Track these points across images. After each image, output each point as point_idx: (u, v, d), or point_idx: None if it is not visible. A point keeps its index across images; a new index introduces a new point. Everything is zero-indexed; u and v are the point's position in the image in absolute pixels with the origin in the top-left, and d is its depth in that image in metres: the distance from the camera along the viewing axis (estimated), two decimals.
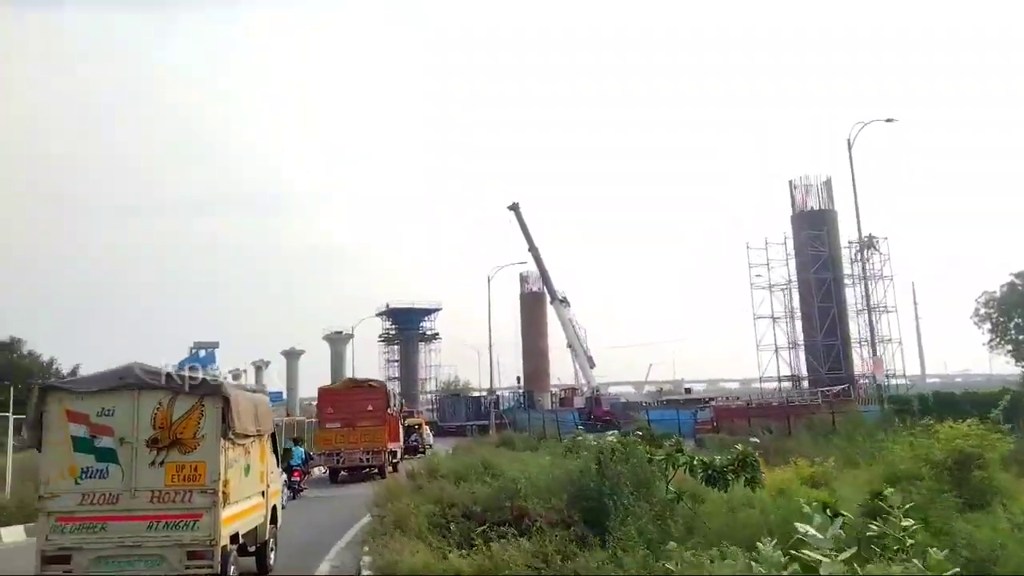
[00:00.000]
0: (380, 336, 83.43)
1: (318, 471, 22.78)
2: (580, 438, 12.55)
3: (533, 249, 53.71)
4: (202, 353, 56.98)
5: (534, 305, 63.48)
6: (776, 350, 48.31)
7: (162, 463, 6.67)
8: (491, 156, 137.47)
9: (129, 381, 6.82)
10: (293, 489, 17.40)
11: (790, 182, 48.91)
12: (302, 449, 19.53)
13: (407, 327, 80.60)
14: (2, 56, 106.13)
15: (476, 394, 62.09)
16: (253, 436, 7.79)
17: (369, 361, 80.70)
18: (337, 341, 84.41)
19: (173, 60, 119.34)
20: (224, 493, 6.75)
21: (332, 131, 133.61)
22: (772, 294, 48.27)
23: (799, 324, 47.67)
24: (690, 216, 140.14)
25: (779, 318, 48.37)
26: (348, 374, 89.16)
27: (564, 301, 53.53)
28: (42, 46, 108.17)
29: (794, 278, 47.73)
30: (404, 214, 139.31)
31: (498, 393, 53.26)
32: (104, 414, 6.78)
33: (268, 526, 8.55)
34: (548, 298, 57.87)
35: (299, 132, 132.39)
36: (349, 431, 21.54)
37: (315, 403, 25.02)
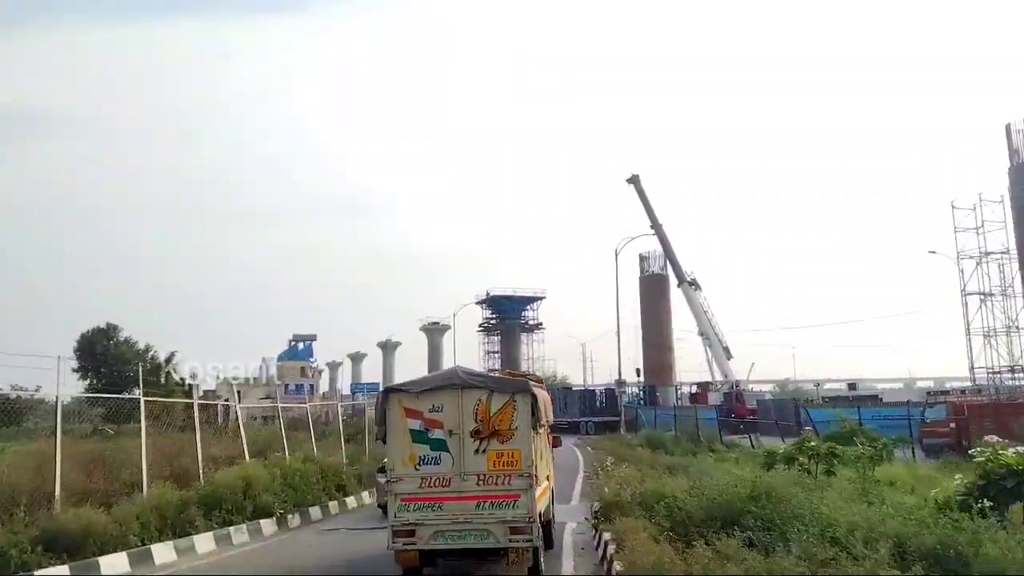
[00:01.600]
0: (480, 326, 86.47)
1: None
2: (750, 446, 13.96)
3: (656, 226, 52.09)
4: (300, 346, 61.32)
5: (655, 289, 61.11)
6: (989, 335, 43.89)
7: (485, 451, 8.51)
8: (599, 129, 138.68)
9: (454, 381, 8.77)
10: None
11: (1007, 126, 44.89)
12: None
13: (508, 316, 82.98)
14: (106, 68, 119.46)
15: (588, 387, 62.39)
16: (545, 427, 9.69)
17: (468, 352, 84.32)
18: (434, 332, 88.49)
19: (259, 71, 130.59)
20: (535, 476, 8.63)
21: (417, 124, 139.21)
22: (982, 265, 43.87)
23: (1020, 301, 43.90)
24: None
25: (991, 295, 44.22)
26: (446, 366, 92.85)
27: (694, 283, 51.52)
28: (133, 57, 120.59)
29: (1011, 245, 43.45)
30: (501, 202, 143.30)
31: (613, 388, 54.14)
32: (435, 410, 8.73)
33: (552, 506, 10.42)
34: (674, 281, 56.31)
35: (386, 131, 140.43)
36: None
37: None
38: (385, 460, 9.63)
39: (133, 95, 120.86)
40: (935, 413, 27.02)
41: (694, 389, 53.46)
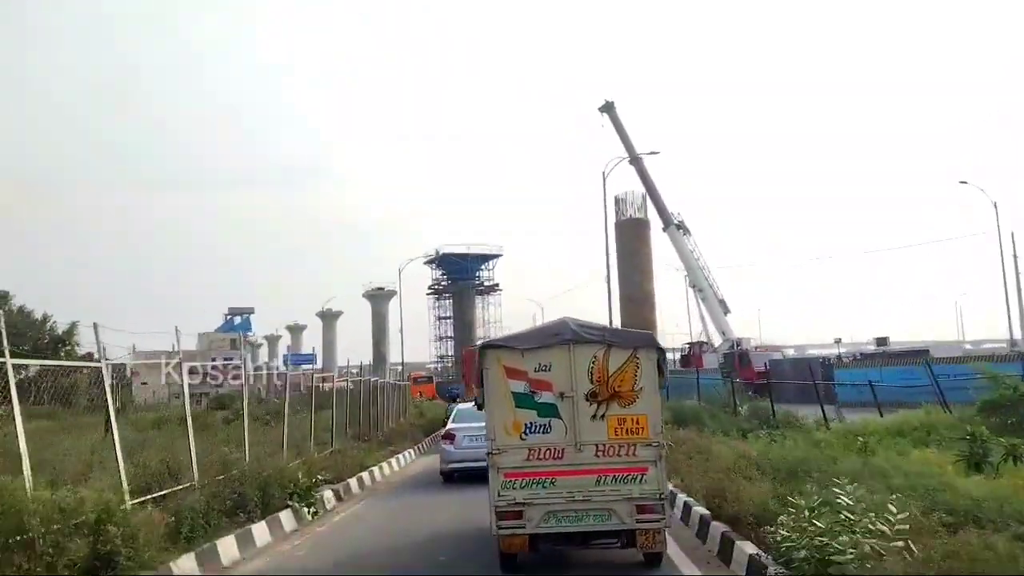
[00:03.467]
0: (430, 288, 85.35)
1: None
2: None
3: (635, 159, 48.38)
4: (237, 320, 61.30)
5: (634, 236, 57.08)
6: None
7: (603, 416, 7.93)
8: (553, 65, 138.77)
9: (564, 335, 8.09)
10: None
11: None
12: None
13: (461, 277, 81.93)
14: (43, 33, 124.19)
15: None
16: None
17: (418, 318, 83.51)
18: (379, 298, 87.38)
19: (211, 36, 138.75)
20: (664, 445, 8.17)
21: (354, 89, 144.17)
22: None
23: None
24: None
25: None
26: (393, 334, 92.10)
27: (681, 227, 48.51)
28: (82, 22, 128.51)
29: None
30: (452, 148, 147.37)
31: None
32: (541, 369, 8.08)
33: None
34: (656, 225, 53.86)
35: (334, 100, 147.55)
36: None
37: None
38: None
39: (74, 56, 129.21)
40: None
41: (685, 350, 51.09)
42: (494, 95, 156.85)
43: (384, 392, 27.50)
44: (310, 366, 56.71)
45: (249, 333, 64.87)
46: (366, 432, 21.85)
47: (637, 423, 8.02)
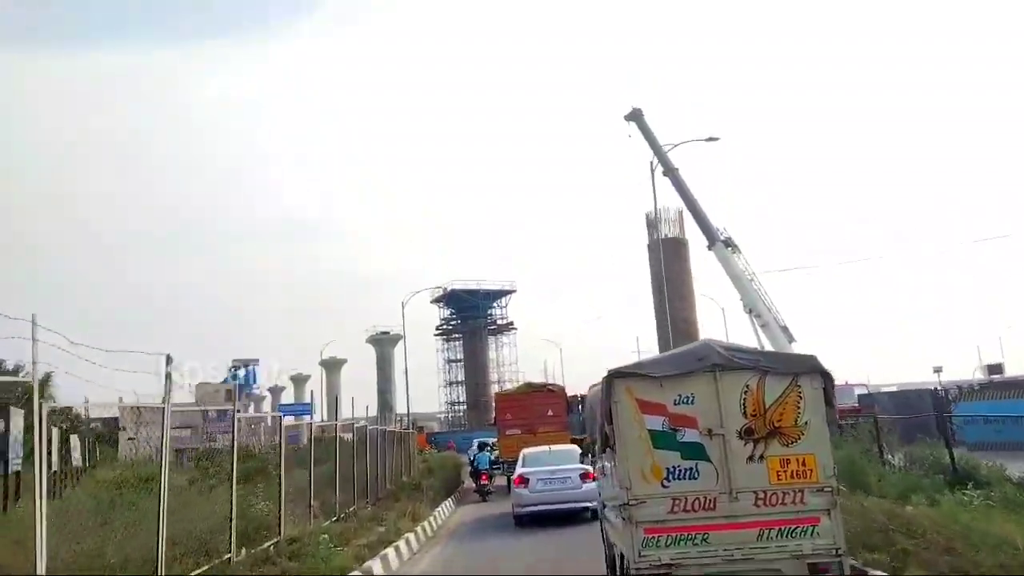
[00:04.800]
0: (437, 329, 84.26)
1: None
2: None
3: (670, 172, 45.19)
4: (242, 371, 61.97)
5: (672, 257, 52.68)
6: None
7: (762, 457, 7.03)
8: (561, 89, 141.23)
9: (709, 360, 7.22)
10: (482, 492, 24.73)
11: None
12: (487, 454, 25.85)
13: (472, 316, 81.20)
14: (39, 96, 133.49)
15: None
16: None
17: (426, 362, 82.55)
18: (384, 342, 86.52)
19: (206, 96, 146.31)
20: (837, 490, 7.27)
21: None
22: None
23: None
24: None
25: None
26: (399, 378, 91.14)
27: (729, 243, 45.03)
28: (77, 85, 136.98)
29: None
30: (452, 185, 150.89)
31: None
32: (683, 402, 7.22)
33: None
34: (696, 244, 49.77)
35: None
36: (530, 437, 24.35)
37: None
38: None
39: (67, 120, 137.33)
40: None
41: None
42: (496, 119, 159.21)
43: (392, 442, 25.87)
44: (308, 417, 56.65)
45: (255, 385, 65.82)
46: (365, 494, 18.68)
47: (803, 464, 7.13)
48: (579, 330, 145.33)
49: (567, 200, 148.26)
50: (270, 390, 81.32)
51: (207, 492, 12.27)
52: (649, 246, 56.06)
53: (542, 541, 15.10)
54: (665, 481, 7.12)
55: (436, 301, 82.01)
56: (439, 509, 20.13)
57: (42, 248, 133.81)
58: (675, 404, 7.22)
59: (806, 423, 7.17)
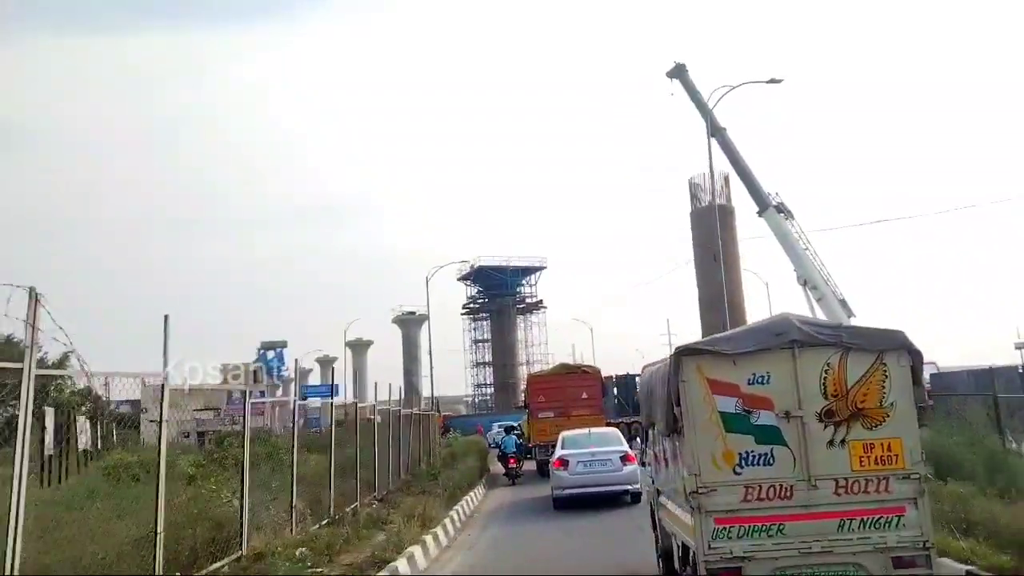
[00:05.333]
0: (464, 308, 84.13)
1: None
2: None
3: (717, 132, 41.10)
4: (271, 354, 63.13)
5: (714, 226, 46.11)
6: None
7: (843, 442, 6.68)
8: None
9: (787, 336, 6.85)
10: (511, 475, 24.77)
11: None
12: (514, 438, 26.30)
13: (500, 293, 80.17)
14: (75, 79, 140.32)
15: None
16: None
17: (451, 343, 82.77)
18: (410, 323, 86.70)
19: (233, 82, 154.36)
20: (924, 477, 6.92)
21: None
22: None
23: None
24: None
25: None
26: (424, 359, 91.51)
27: (782, 209, 42.63)
28: (110, 69, 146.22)
29: None
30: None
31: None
32: (757, 381, 6.87)
33: None
34: (744, 210, 47.20)
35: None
36: (564, 421, 24.14)
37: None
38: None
39: (107, 106, 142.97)
40: None
41: None
42: (521, 87, 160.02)
43: (410, 426, 24.08)
44: (340, 397, 56.97)
45: (283, 368, 67.12)
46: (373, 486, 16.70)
47: (889, 449, 6.77)
48: (608, 311, 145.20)
49: (598, 177, 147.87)
50: (297, 372, 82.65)
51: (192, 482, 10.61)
52: (692, 215, 53.64)
53: (582, 528, 14.87)
54: (738, 467, 6.80)
55: (463, 279, 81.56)
56: (463, 502, 18.03)
57: (77, 226, 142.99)
58: (749, 384, 6.89)
59: (892, 404, 6.80)
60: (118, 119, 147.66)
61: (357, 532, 12.08)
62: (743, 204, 46.25)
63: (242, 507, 9.51)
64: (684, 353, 7.03)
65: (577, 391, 25.92)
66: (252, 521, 9.77)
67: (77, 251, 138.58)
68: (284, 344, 68.20)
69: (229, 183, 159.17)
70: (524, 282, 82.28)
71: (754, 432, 6.84)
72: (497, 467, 27.35)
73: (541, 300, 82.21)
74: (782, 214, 42.57)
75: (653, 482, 10.33)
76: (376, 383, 21.26)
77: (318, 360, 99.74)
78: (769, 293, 50.60)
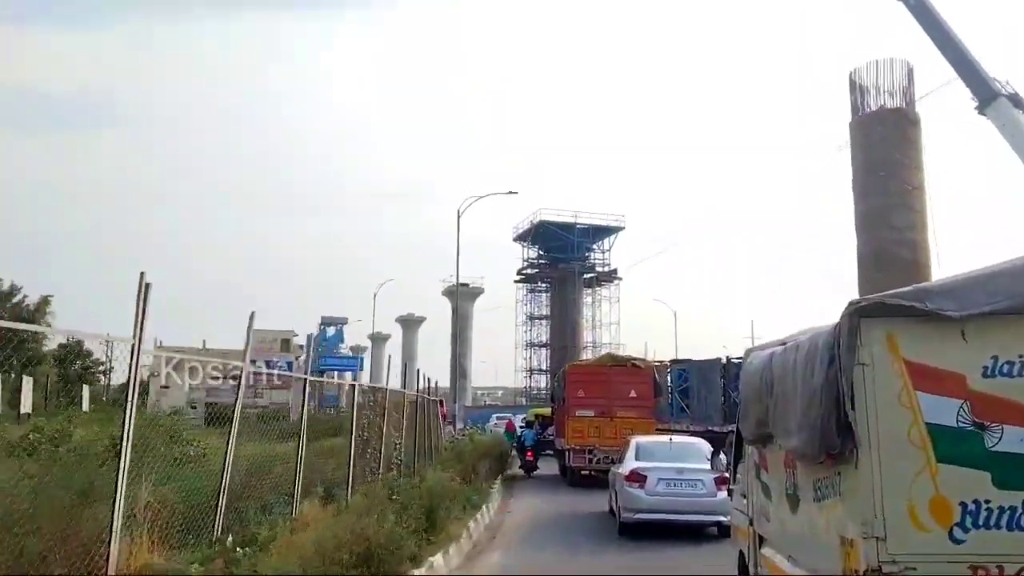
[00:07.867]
0: (519, 274, 78.77)
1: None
2: None
3: None
4: (330, 331, 65.02)
5: (894, 138, 41.73)
6: None
7: None
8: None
9: None
10: (527, 468, 27.08)
11: None
12: (533, 432, 28.68)
13: (565, 258, 73.65)
14: (164, 61, 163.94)
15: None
16: None
17: (503, 319, 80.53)
18: (463, 296, 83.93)
19: (312, 67, 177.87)
20: None
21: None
22: None
23: None
24: None
25: None
26: (473, 336, 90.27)
27: (1017, 101, 36.23)
28: (180, 54, 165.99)
29: None
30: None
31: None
32: (1001, 372, 4.39)
33: None
34: (939, 108, 47.57)
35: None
36: (605, 422, 23.30)
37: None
38: None
39: (187, 87, 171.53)
40: None
41: None
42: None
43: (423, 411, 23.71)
44: (350, 375, 56.83)
45: (341, 344, 70.37)
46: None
47: None
48: (693, 294, 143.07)
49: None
50: (352, 349, 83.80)
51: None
52: (853, 125, 44.80)
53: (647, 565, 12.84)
54: (957, 528, 4.33)
55: (520, 238, 76.24)
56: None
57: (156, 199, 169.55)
58: (986, 374, 4.38)
59: None
60: (217, 97, 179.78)
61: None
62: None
63: (113, 520, 6.91)
64: (865, 314, 4.48)
65: (624, 388, 24.24)
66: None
67: (166, 224, 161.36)
68: (345, 320, 71.63)
69: (315, 165, 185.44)
70: (595, 246, 76.02)
71: (992, 465, 4.33)
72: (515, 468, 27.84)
73: (615, 269, 75.48)
74: (1020, 109, 35.96)
75: (751, 522, 7.86)
76: (415, 369, 21.87)
77: (369, 336, 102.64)
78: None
